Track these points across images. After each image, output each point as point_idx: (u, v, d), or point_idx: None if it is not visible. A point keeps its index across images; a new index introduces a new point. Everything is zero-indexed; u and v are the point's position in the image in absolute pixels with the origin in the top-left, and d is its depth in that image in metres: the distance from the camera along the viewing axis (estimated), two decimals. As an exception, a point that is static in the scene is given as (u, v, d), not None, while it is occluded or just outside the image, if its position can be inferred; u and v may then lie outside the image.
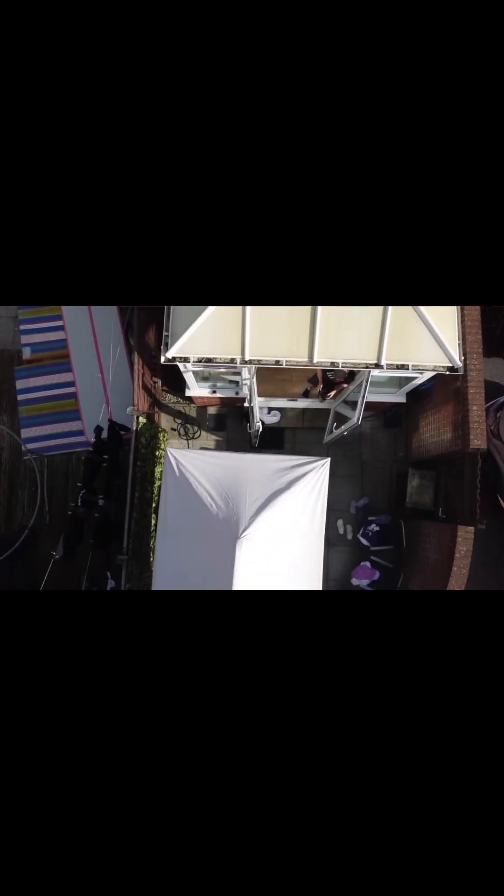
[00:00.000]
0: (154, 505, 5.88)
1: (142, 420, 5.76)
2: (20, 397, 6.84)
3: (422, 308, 4.37)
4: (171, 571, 4.87)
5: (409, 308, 4.37)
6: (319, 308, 4.35)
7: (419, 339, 4.53)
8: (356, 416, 5.17)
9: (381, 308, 4.37)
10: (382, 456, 6.99)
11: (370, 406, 6.06)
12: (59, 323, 6.74)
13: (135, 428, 5.73)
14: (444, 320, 4.59)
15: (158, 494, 5.51)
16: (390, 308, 4.36)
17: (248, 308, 4.39)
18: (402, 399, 6.31)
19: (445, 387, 5.71)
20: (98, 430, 6.11)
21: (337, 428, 6.06)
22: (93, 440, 6.24)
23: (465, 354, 4.85)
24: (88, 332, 6.72)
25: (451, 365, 4.69)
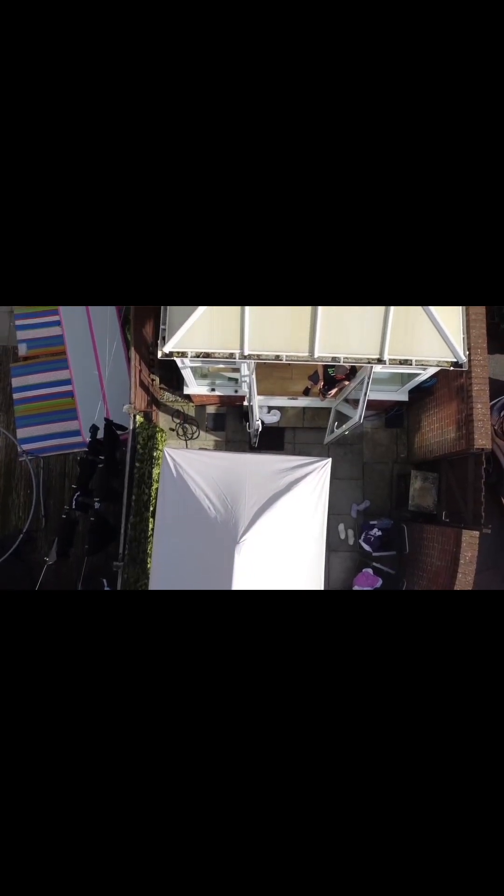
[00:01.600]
0: (152, 508, 5.75)
1: (139, 419, 5.64)
2: (16, 396, 6.73)
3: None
4: (168, 576, 4.74)
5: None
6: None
7: (422, 334, 4.42)
8: (358, 415, 5.05)
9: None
10: (384, 457, 6.86)
11: (372, 405, 5.94)
12: (56, 318, 6.65)
13: (132, 427, 5.61)
14: (448, 313, 4.49)
15: (156, 497, 5.39)
16: (393, 299, 4.25)
17: (247, 300, 4.29)
18: (405, 397, 6.19)
19: (449, 384, 5.59)
20: (94, 429, 5.98)
21: (338, 427, 5.94)
22: (89, 439, 6.12)
23: (469, 349, 4.73)
24: (85, 327, 6.62)
25: (455, 360, 4.57)
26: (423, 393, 6.18)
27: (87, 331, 6.60)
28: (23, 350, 6.77)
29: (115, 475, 6.00)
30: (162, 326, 4.58)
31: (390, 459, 6.86)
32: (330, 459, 4.93)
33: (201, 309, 4.31)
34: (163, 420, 6.94)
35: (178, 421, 6.96)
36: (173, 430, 6.90)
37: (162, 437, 6.49)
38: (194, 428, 6.95)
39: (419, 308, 4.30)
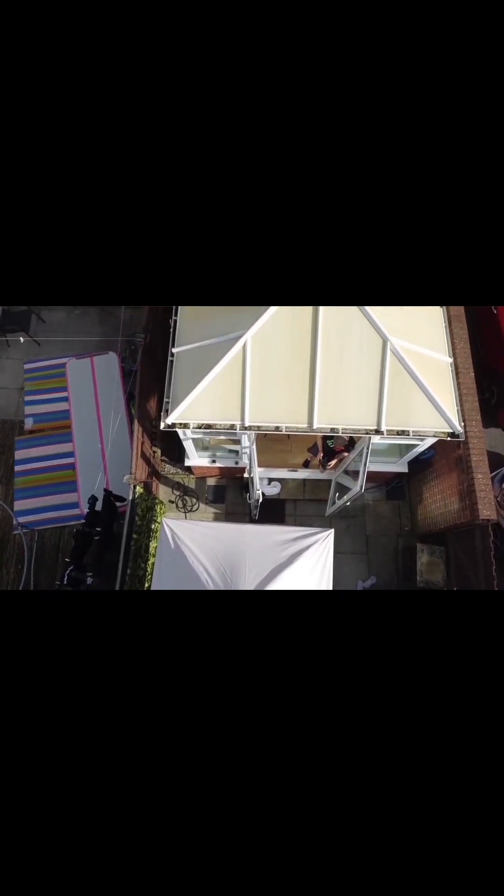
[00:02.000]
0: (147, 584, 5.49)
1: (139, 489, 5.61)
2: (17, 468, 6.76)
3: (417, 372, 4.46)
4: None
5: (405, 373, 4.47)
6: (318, 368, 4.45)
7: (418, 404, 4.57)
8: (359, 485, 5.03)
9: (378, 370, 4.47)
10: (387, 529, 6.71)
11: (372, 477, 5.94)
12: (64, 394, 6.92)
13: (131, 498, 5.56)
14: (440, 386, 4.68)
15: (152, 572, 5.16)
16: (387, 370, 4.46)
17: (248, 373, 4.50)
18: (404, 469, 6.21)
19: (447, 455, 5.65)
20: (93, 500, 5.92)
21: (339, 498, 5.88)
22: (86, 511, 6.02)
23: (464, 421, 4.85)
24: (91, 402, 6.86)
25: (451, 430, 4.67)
26: (422, 465, 6.22)
27: (93, 405, 6.84)
28: (29, 424, 6.95)
29: (111, 548, 5.81)
30: (166, 399, 4.75)
31: (394, 532, 6.69)
32: (332, 530, 4.81)
33: (205, 381, 4.51)
34: (163, 492, 6.90)
35: (177, 493, 6.92)
36: (173, 502, 6.82)
37: (161, 508, 6.40)
38: (194, 500, 6.89)
39: (412, 383, 4.49)
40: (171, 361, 4.83)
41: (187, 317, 4.96)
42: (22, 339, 7.59)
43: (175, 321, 4.97)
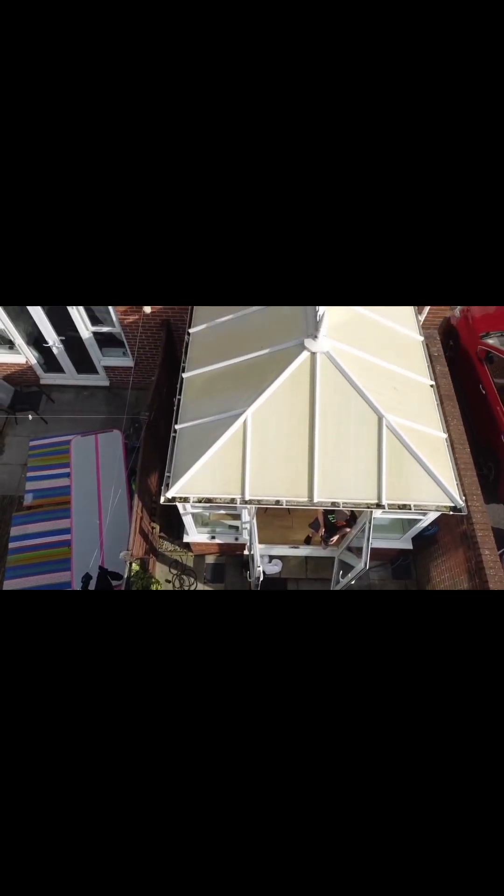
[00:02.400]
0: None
1: (135, 567, 5.41)
2: (12, 545, 6.59)
3: (413, 446, 4.56)
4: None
5: (403, 448, 4.57)
6: (317, 443, 4.55)
7: (417, 479, 4.59)
8: (363, 561, 4.87)
9: (375, 444, 4.56)
10: (396, 612, 6.33)
11: (376, 554, 5.78)
12: (66, 470, 6.97)
13: (126, 576, 5.35)
14: (438, 460, 4.74)
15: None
16: (384, 445, 4.55)
17: (249, 448, 4.59)
18: (409, 545, 6.06)
19: (451, 531, 5.55)
20: (86, 578, 5.68)
21: (343, 577, 5.65)
22: (79, 590, 5.75)
23: (465, 496, 4.85)
24: (93, 477, 6.88)
25: (453, 505, 4.64)
26: (427, 541, 6.08)
27: (94, 481, 6.86)
28: (28, 500, 6.92)
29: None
30: (167, 473, 4.79)
31: (403, 615, 6.31)
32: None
33: (206, 456, 4.59)
34: (159, 571, 6.65)
35: (175, 572, 6.67)
36: (169, 581, 6.55)
37: (157, 588, 6.12)
38: (192, 579, 6.62)
39: (410, 457, 4.57)
40: (174, 437, 4.96)
41: (190, 395, 5.20)
42: (31, 417, 7.86)
43: (179, 399, 5.21)
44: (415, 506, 4.62)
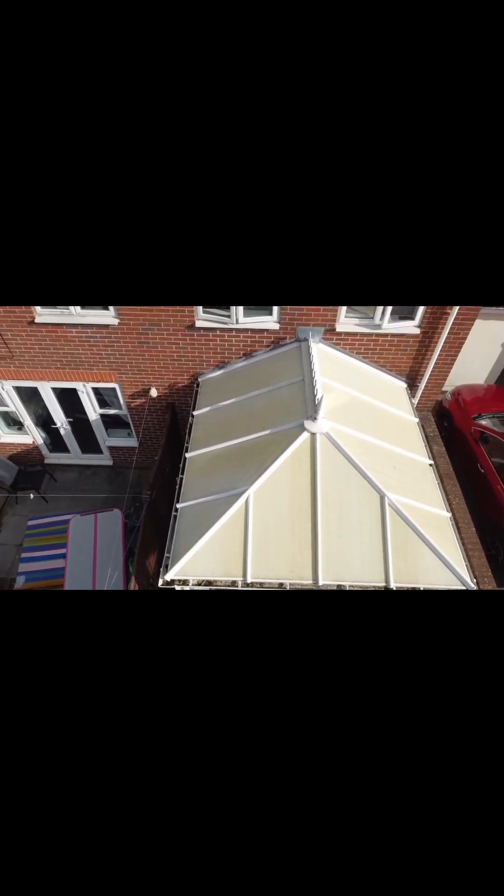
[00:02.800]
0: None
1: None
2: (-3, 633, 6.17)
3: (417, 525, 4.49)
4: None
5: (407, 527, 4.50)
6: (320, 523, 4.47)
7: (425, 559, 4.46)
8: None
9: (379, 524, 4.49)
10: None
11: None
12: (62, 551, 6.77)
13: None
14: (444, 540, 4.64)
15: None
16: (388, 524, 4.48)
17: (251, 528, 4.52)
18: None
19: (465, 617, 5.24)
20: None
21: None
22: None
23: (475, 577, 4.67)
24: (90, 557, 6.66)
25: (464, 588, 4.44)
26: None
27: (90, 561, 6.64)
28: (20, 583, 6.63)
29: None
30: (166, 554, 4.66)
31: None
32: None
33: (207, 536, 4.50)
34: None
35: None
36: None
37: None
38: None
39: (415, 537, 4.49)
40: (175, 516, 4.91)
41: (193, 475, 5.25)
42: (32, 496, 7.84)
43: (181, 478, 5.25)
44: (424, 588, 4.42)
